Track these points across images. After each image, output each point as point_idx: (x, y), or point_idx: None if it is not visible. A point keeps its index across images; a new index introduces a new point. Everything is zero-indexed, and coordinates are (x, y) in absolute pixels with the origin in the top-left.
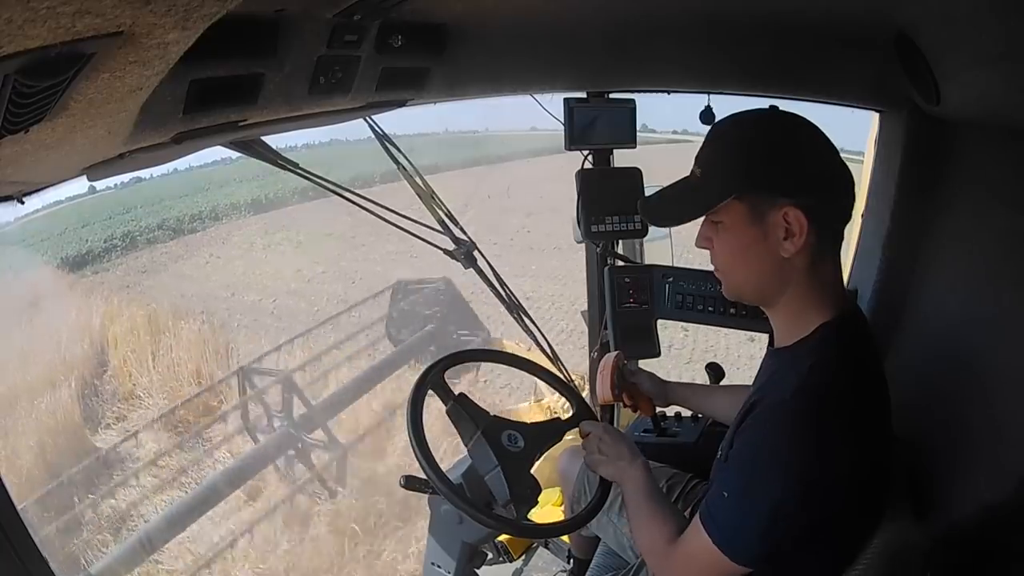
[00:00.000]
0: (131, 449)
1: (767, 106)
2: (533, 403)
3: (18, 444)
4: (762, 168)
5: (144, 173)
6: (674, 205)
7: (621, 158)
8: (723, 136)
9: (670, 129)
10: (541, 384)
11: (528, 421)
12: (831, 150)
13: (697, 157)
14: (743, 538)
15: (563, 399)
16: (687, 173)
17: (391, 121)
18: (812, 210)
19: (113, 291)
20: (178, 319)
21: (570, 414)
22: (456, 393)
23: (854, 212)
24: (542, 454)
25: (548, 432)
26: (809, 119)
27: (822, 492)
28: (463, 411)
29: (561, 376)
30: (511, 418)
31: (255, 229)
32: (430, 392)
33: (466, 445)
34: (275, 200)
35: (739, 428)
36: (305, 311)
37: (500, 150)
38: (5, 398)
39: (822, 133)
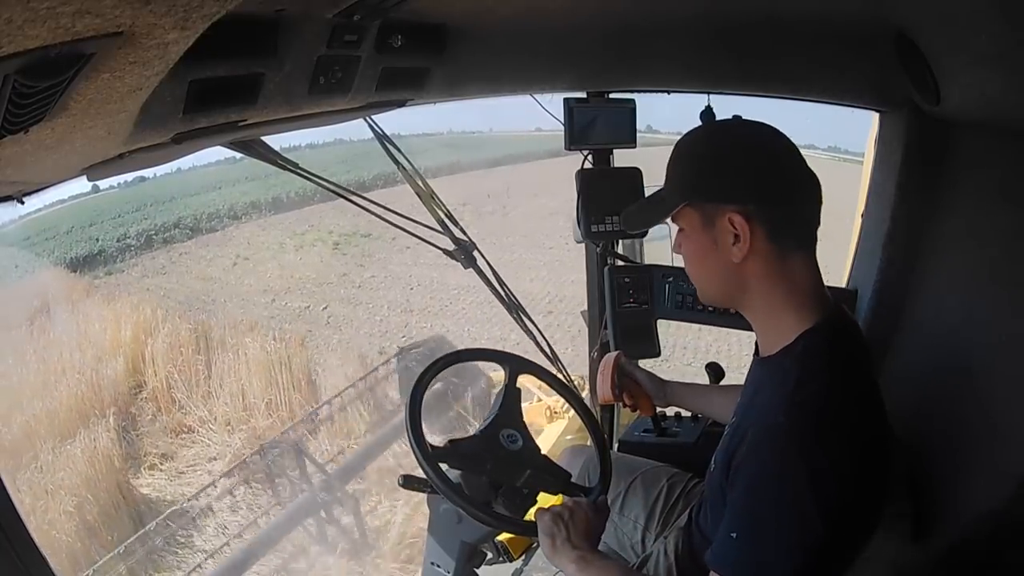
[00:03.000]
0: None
1: (733, 115)
2: (535, 403)
3: (53, 510)
4: (706, 175)
5: (148, 172)
6: (642, 213)
7: (621, 158)
8: (681, 147)
9: (674, 130)
10: (541, 386)
11: (528, 420)
12: (787, 155)
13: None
14: (769, 571)
15: (563, 400)
16: None
17: (400, 120)
18: (755, 215)
19: (140, 297)
20: (240, 334)
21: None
22: (516, 386)
23: (855, 212)
24: (526, 480)
25: (550, 472)
26: (773, 125)
27: (835, 505)
28: (503, 397)
29: (563, 379)
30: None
31: (281, 229)
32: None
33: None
34: (296, 199)
35: (734, 455)
36: (365, 321)
37: (517, 150)
38: (28, 439)
39: (781, 138)
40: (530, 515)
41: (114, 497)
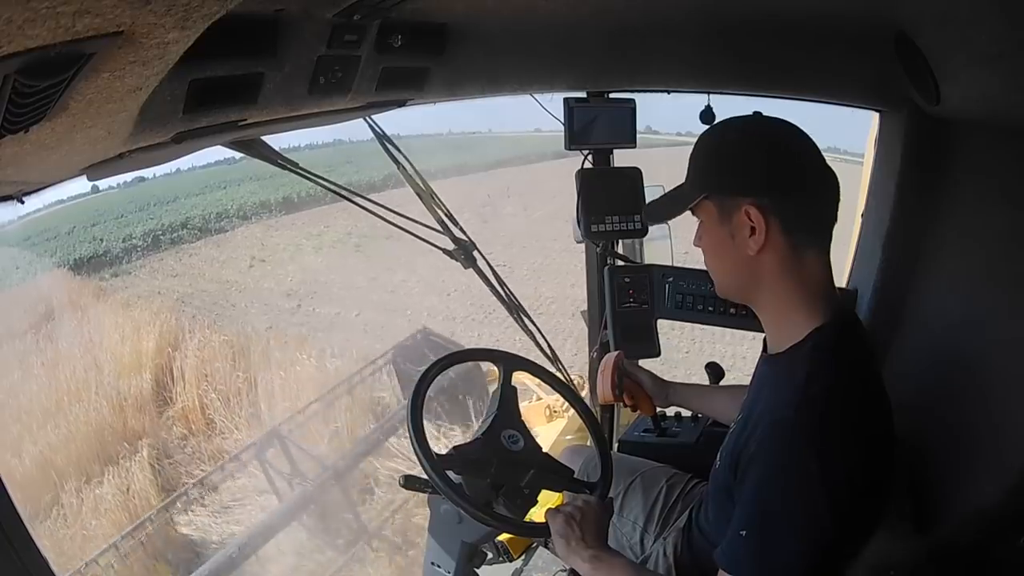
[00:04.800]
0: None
1: (753, 111)
2: (534, 401)
3: None
4: (724, 169)
5: (147, 173)
6: (663, 205)
7: (621, 158)
8: (701, 142)
9: (674, 131)
10: (541, 385)
11: (527, 420)
12: (805, 150)
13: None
14: (779, 569)
15: (563, 399)
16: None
17: (400, 122)
18: (772, 208)
19: (159, 303)
20: (290, 349)
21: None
22: (512, 384)
23: (855, 212)
24: (529, 480)
25: (553, 470)
26: (791, 121)
27: (844, 500)
28: (500, 396)
29: (563, 379)
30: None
31: (294, 229)
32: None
33: (482, 421)
34: (307, 199)
35: (742, 452)
36: (406, 329)
37: (524, 151)
38: (43, 475)
39: (798, 134)
40: (531, 515)
41: (157, 549)
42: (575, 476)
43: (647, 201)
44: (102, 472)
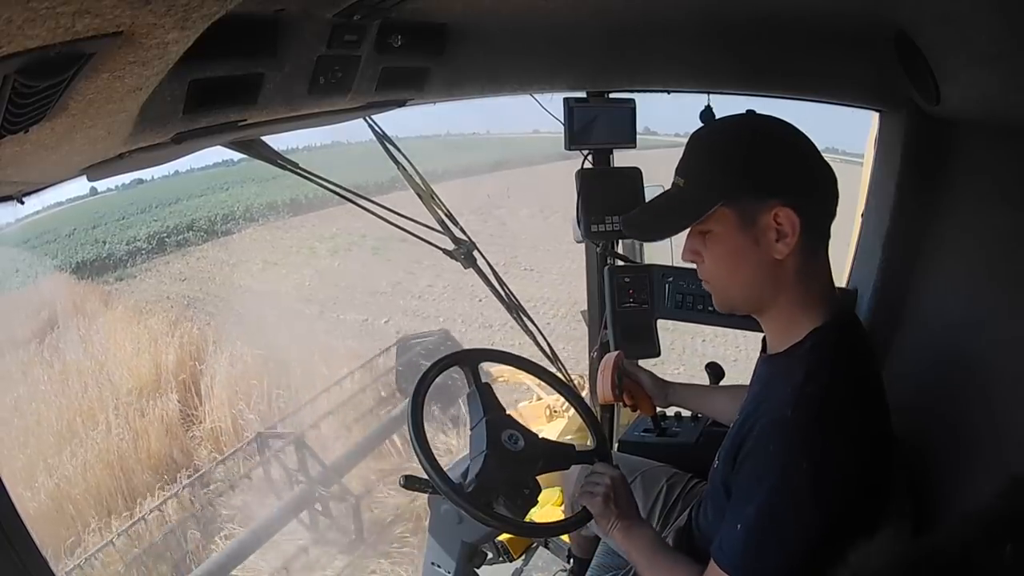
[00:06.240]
0: None
1: (745, 110)
2: (534, 401)
3: None
4: (747, 171)
5: (145, 174)
6: (661, 218)
7: (621, 159)
8: (704, 143)
9: (672, 132)
10: (541, 384)
11: (527, 419)
12: (812, 149)
13: (679, 168)
14: (768, 567)
15: (563, 400)
16: None
17: (399, 123)
18: (801, 208)
19: (177, 312)
20: (338, 363)
21: (588, 445)
22: (483, 382)
23: (855, 212)
24: (539, 471)
25: (556, 453)
26: (787, 119)
27: (837, 500)
28: (479, 398)
29: (564, 379)
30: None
31: (305, 231)
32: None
33: (471, 430)
34: (314, 200)
35: (740, 449)
36: None
37: (529, 152)
38: (60, 511)
39: (801, 132)
40: (531, 515)
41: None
42: (574, 477)
43: (638, 207)
44: (127, 507)
